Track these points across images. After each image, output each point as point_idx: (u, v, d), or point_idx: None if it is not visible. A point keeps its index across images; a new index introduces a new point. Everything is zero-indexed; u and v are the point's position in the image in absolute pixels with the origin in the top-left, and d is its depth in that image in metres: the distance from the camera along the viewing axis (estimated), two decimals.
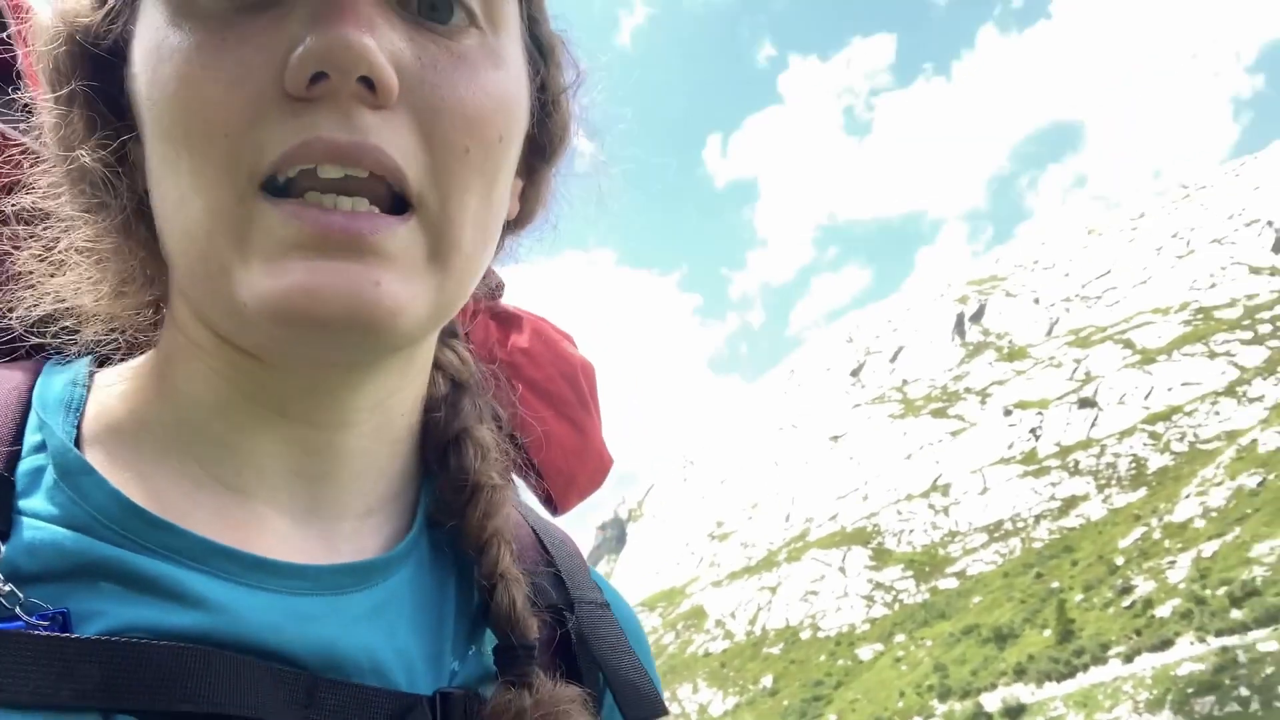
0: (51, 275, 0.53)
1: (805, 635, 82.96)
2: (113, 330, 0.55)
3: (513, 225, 0.60)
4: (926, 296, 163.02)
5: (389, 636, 0.51)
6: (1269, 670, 36.37)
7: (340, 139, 0.42)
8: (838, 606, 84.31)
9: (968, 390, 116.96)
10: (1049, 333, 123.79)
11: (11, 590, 0.41)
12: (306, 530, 0.52)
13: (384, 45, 0.43)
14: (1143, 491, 71.98)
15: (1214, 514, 57.11)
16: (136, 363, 0.54)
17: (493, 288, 0.74)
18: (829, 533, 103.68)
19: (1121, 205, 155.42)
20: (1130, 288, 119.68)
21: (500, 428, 0.65)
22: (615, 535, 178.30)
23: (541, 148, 0.58)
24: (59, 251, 0.53)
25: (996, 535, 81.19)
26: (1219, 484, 60.56)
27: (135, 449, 0.50)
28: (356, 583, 0.51)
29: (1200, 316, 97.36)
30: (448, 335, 0.64)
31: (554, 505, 0.81)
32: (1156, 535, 59.56)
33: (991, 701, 49.74)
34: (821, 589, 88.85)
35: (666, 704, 0.59)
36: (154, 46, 0.44)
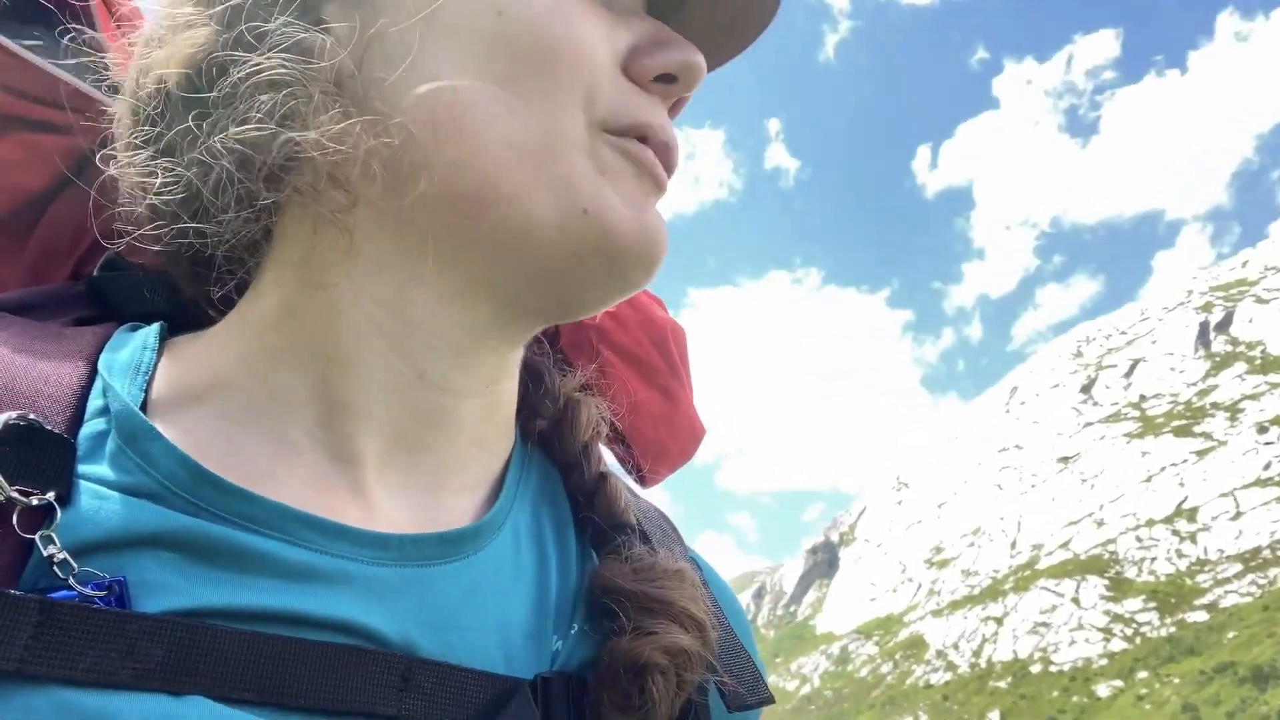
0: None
1: (1035, 669, 78.67)
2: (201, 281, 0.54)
3: None
4: (1165, 305, 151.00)
5: (485, 612, 0.49)
6: None
7: (673, 136, 0.50)
8: (1071, 639, 79.43)
9: (1215, 406, 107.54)
10: None
11: (66, 558, 0.39)
12: (401, 500, 0.51)
13: None
14: None
15: None
16: (217, 328, 0.52)
17: None
18: (1060, 561, 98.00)
19: None
20: None
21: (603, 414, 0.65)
22: (826, 559, 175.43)
23: None
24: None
25: (1253, 564, 74.07)
26: None
27: (215, 412, 0.48)
28: (448, 553, 0.49)
29: None
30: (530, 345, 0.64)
31: (642, 477, 0.80)
32: None
33: None
34: (1053, 620, 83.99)
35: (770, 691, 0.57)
36: None
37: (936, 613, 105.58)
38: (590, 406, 0.61)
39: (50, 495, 0.41)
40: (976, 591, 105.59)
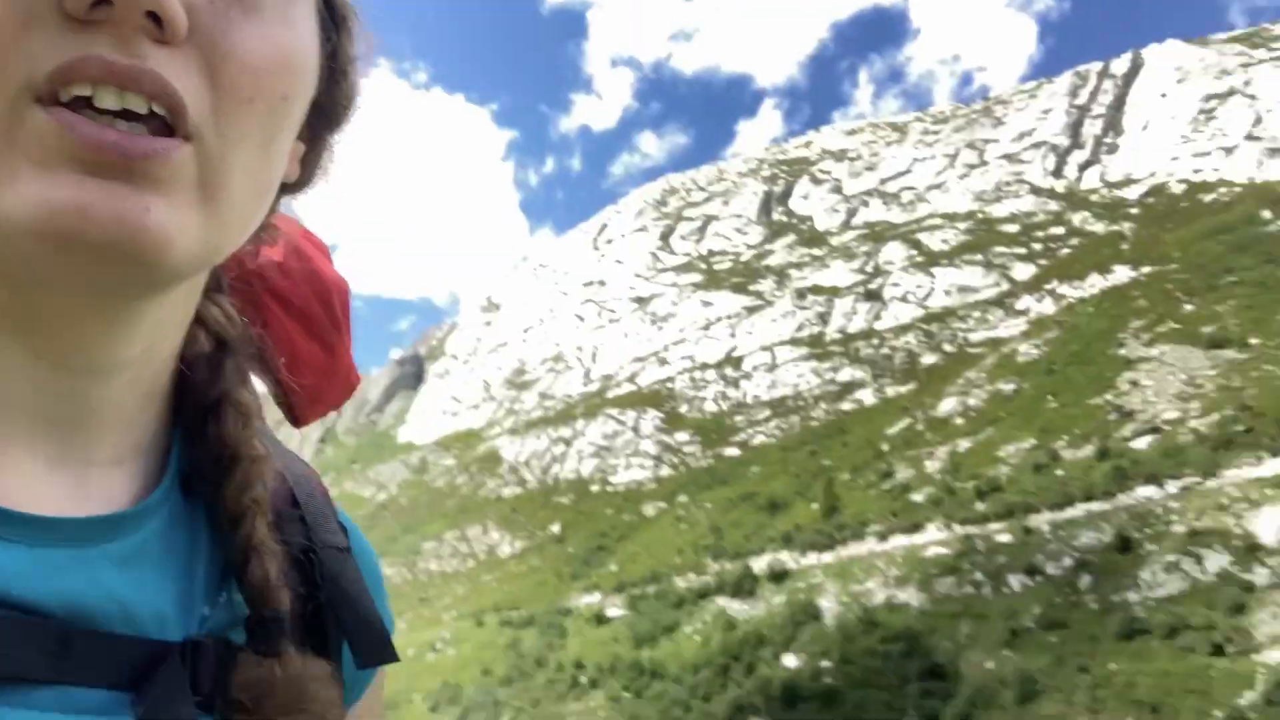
0: None
1: (595, 488, 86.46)
2: None
3: (290, 188, 0.61)
4: (739, 170, 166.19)
5: (140, 586, 0.51)
6: (1001, 559, 41.50)
7: (119, 61, 0.41)
8: (628, 464, 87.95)
9: (767, 269, 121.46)
10: (847, 223, 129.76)
11: None
12: (54, 477, 0.51)
13: None
14: (912, 385, 78.48)
15: (972, 414, 63.51)
16: None
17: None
18: (626, 392, 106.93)
19: (929, 108, 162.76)
20: (924, 189, 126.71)
21: (260, 365, 0.66)
22: (413, 372, 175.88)
23: (327, 115, 0.59)
24: None
25: (779, 411, 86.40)
26: (979, 386, 67.23)
27: None
28: (106, 534, 0.50)
29: (983, 227, 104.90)
30: (213, 290, 0.63)
31: (295, 419, 0.82)
32: (920, 427, 65.50)
33: (759, 564, 53.44)
34: (614, 445, 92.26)
35: (395, 646, 0.64)
36: None
37: (513, 431, 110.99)
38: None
39: None
40: (551, 414, 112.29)
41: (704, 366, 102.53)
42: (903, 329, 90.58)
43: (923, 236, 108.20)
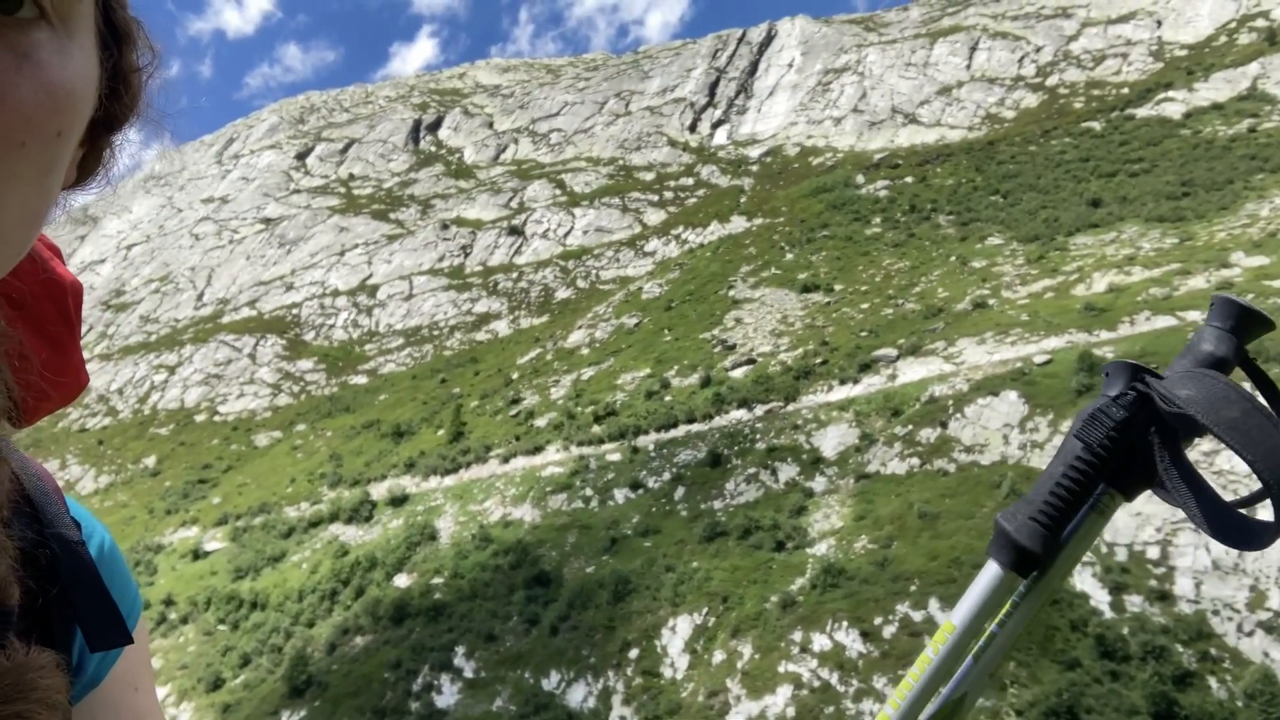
0: None
1: (200, 419, 79.09)
2: None
3: (70, 186, 0.61)
4: (388, 95, 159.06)
5: None
6: (610, 476, 43.39)
7: None
8: (240, 393, 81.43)
9: (411, 199, 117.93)
10: (496, 159, 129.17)
11: None
12: None
13: None
14: (546, 318, 79.88)
15: (598, 345, 65.72)
16: None
17: None
18: (244, 318, 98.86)
19: (584, 54, 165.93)
20: (572, 133, 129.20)
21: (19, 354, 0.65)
22: None
23: (108, 122, 0.59)
24: None
25: (413, 340, 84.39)
26: (606, 320, 69.72)
27: None
28: None
29: (623, 174, 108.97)
30: None
31: (22, 416, 0.79)
32: (549, 357, 66.80)
33: (379, 490, 52.36)
34: (225, 374, 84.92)
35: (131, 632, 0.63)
36: None
37: (106, 357, 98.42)
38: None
39: None
40: (153, 339, 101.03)
41: (335, 294, 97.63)
42: (542, 264, 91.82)
43: (567, 178, 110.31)
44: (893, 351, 45.44)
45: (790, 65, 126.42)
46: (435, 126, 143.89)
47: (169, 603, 46.09)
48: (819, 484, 35.89)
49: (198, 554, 51.94)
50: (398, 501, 49.96)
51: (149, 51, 0.60)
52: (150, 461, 72.47)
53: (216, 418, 78.52)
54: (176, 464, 70.54)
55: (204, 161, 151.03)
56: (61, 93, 0.48)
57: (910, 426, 36.30)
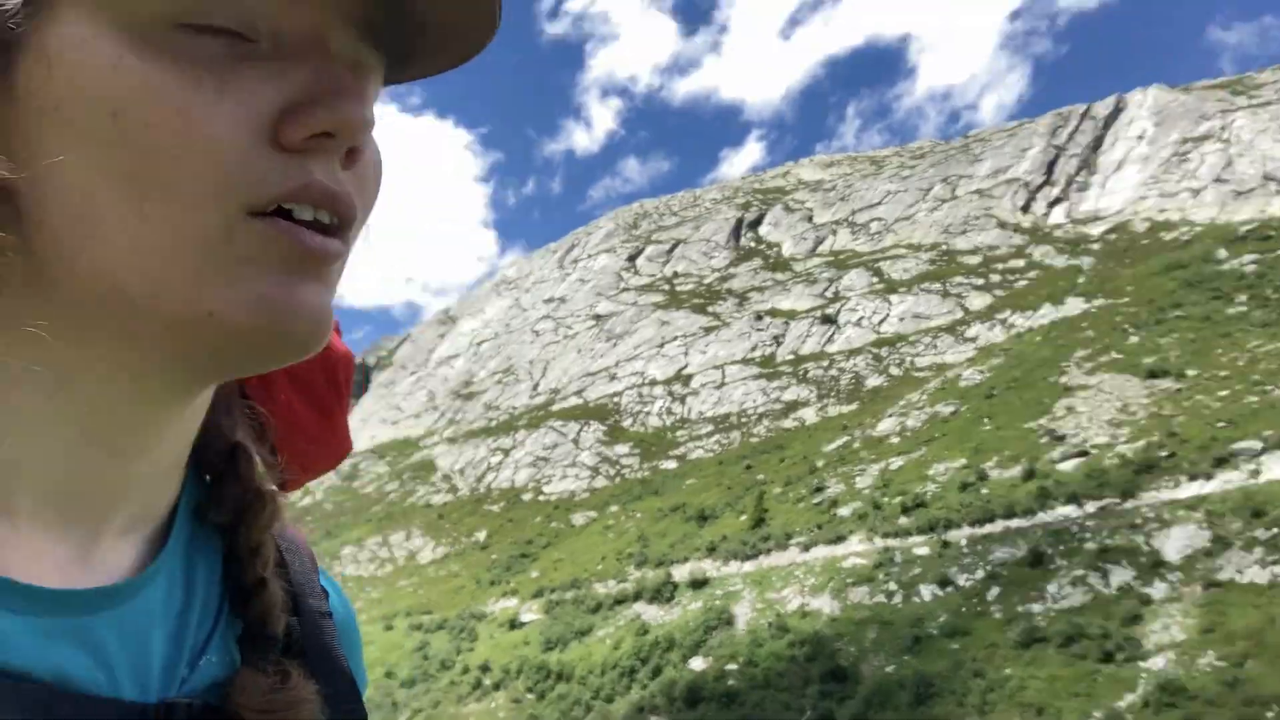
0: None
1: (527, 498, 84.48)
2: None
3: None
4: (714, 197, 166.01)
5: (129, 652, 0.53)
6: (916, 570, 40.28)
7: (330, 186, 0.48)
8: (563, 474, 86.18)
9: (729, 292, 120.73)
10: (814, 251, 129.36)
11: None
12: (67, 551, 0.52)
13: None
14: (855, 406, 77.28)
15: (908, 434, 62.22)
16: None
17: None
18: (572, 405, 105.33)
19: (910, 144, 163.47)
20: (892, 221, 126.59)
21: (257, 421, 0.68)
22: (359, 380, 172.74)
23: None
24: None
25: (722, 427, 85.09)
26: (919, 408, 66.00)
27: None
28: (104, 604, 0.52)
29: (945, 259, 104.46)
30: None
31: (286, 483, 0.82)
32: (856, 445, 64.20)
33: (680, 573, 52.43)
34: (552, 457, 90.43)
35: (365, 706, 0.65)
36: (140, 80, 0.44)
37: (452, 440, 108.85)
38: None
39: None
40: (493, 425, 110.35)
41: (653, 383, 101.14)
42: (854, 352, 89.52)
43: (885, 265, 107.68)
44: (1257, 444, 38.51)
45: (1141, 137, 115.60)
46: (756, 224, 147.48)
47: (485, 669, 48.49)
48: (1158, 590, 30.92)
49: (514, 624, 54.52)
50: (698, 584, 49.70)
51: None
52: (481, 535, 78.17)
53: (541, 497, 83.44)
54: (503, 539, 75.44)
55: (548, 266, 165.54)
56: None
57: (1276, 530, 30.32)
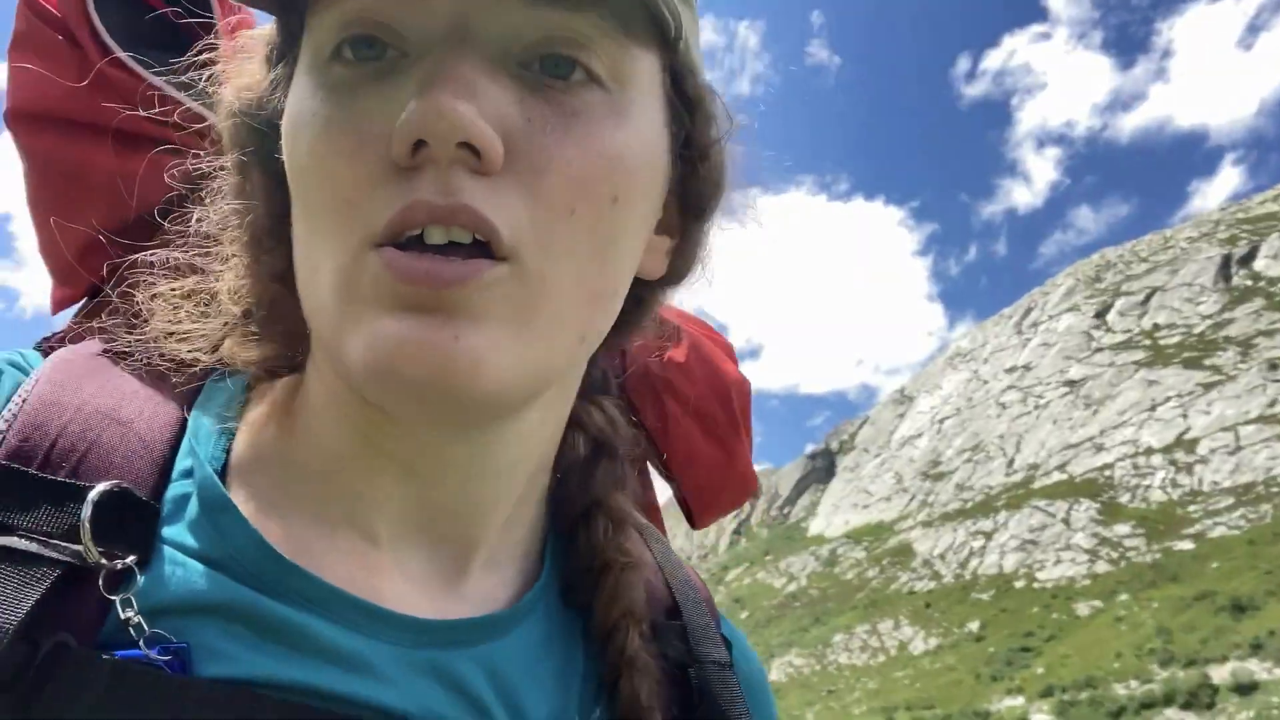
0: (204, 316, 0.55)
1: (1019, 584, 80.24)
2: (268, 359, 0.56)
3: (662, 283, 0.59)
4: (1189, 235, 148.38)
5: (507, 693, 0.51)
6: None
7: (437, 201, 0.42)
8: (1057, 559, 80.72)
9: (1227, 340, 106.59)
10: None
11: (140, 622, 0.43)
12: (431, 582, 0.52)
13: (488, 109, 0.43)
14: None
15: None
16: (284, 396, 0.55)
17: (661, 339, 0.69)
18: (1055, 482, 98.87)
19: None
20: None
21: (642, 451, 0.65)
22: (825, 465, 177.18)
23: (691, 204, 0.57)
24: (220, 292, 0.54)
25: (1245, 499, 74.49)
26: None
27: (278, 483, 0.51)
28: (477, 638, 0.51)
29: None
30: (596, 392, 0.63)
31: (692, 521, 0.81)
32: None
33: (1220, 674, 46.67)
34: (1041, 539, 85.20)
35: None
36: (294, 116, 0.46)
37: (927, 524, 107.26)
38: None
39: (132, 559, 0.44)
40: (969, 506, 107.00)
41: (1149, 452, 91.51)
42: None
43: None
44: None
45: None
46: (1248, 259, 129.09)
47: None
48: None
49: None
50: (1244, 689, 43.71)
51: (727, 122, 0.57)
52: (974, 626, 75.45)
53: (1035, 584, 78.88)
54: (998, 630, 72.21)
55: (1004, 334, 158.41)
56: (614, 154, 0.47)
57: None
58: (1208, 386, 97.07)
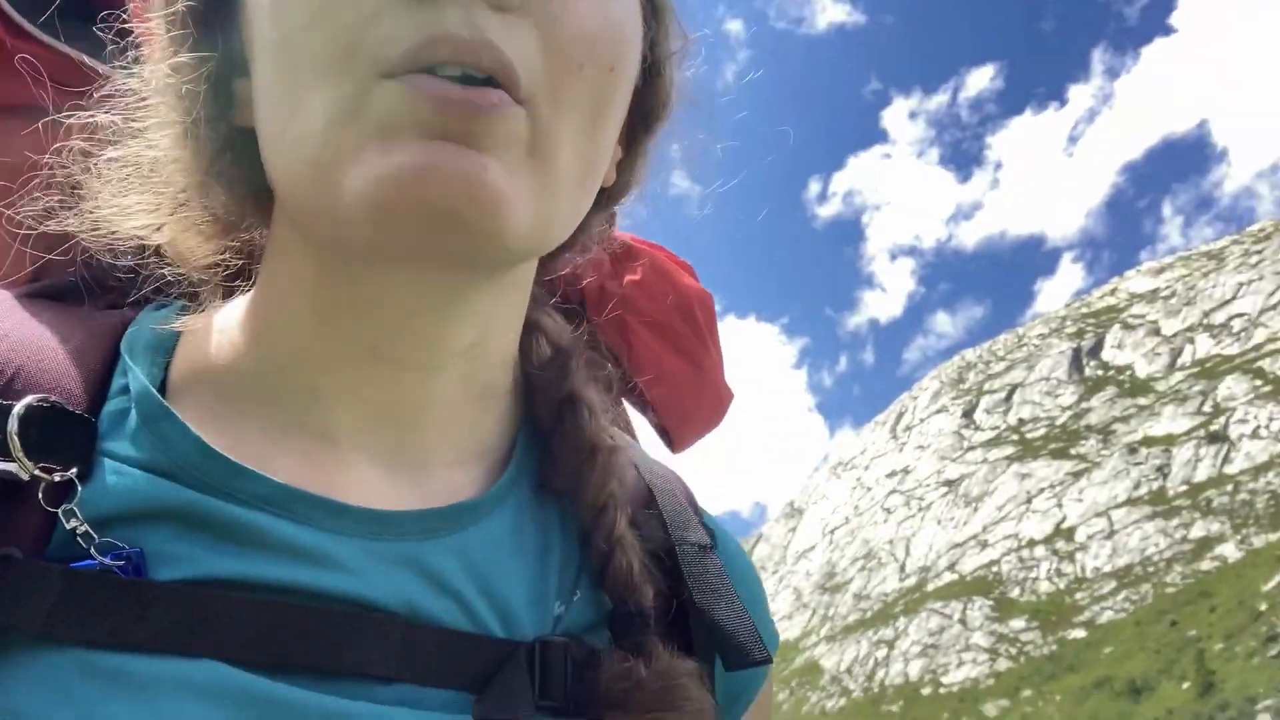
0: (123, 196, 0.52)
1: (926, 691, 79.83)
2: (200, 272, 0.54)
3: (609, 196, 0.58)
4: (1040, 333, 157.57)
5: (484, 582, 0.50)
6: None
7: (464, 35, 0.40)
8: (959, 660, 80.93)
9: (1088, 429, 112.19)
10: (1172, 365, 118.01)
11: (87, 530, 0.42)
12: (395, 477, 0.51)
13: None
14: None
15: None
16: (228, 306, 0.54)
17: (608, 217, 0.66)
18: (947, 583, 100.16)
19: (1248, 228, 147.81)
20: (1257, 314, 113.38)
21: (609, 375, 0.63)
22: None
23: (643, 114, 0.56)
24: (141, 174, 0.52)
25: (1126, 581, 76.96)
26: None
27: (220, 394, 0.50)
28: (447, 527, 0.50)
29: None
30: (541, 301, 0.62)
31: (671, 443, 0.79)
32: None
33: None
34: (941, 642, 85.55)
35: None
36: None
37: (830, 638, 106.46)
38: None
39: (72, 472, 0.43)
40: (869, 616, 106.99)
41: (1031, 543, 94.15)
42: (1260, 469, 78.72)
43: (1265, 364, 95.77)
44: None
45: None
46: (1096, 350, 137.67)
47: None
48: None
49: None
50: None
51: (681, 39, 0.56)
52: None
53: (941, 689, 78.60)
54: None
55: (881, 439, 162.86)
56: (617, 21, 0.46)
57: None
58: (1077, 475, 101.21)
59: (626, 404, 0.77)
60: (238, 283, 0.55)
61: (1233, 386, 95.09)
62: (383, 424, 0.51)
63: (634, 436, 0.73)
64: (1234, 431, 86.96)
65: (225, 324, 0.52)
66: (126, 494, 0.44)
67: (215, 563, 0.43)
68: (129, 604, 0.40)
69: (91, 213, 0.53)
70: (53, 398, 0.45)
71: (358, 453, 0.50)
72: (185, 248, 0.54)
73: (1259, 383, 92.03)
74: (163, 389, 0.49)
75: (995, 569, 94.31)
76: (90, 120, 0.53)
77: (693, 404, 0.79)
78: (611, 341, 0.71)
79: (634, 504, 0.59)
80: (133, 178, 0.52)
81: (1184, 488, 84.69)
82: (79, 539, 0.42)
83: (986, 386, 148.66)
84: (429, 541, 0.49)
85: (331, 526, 0.46)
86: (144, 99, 0.51)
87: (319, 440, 0.50)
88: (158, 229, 0.52)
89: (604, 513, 0.55)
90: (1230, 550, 71.33)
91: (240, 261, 0.55)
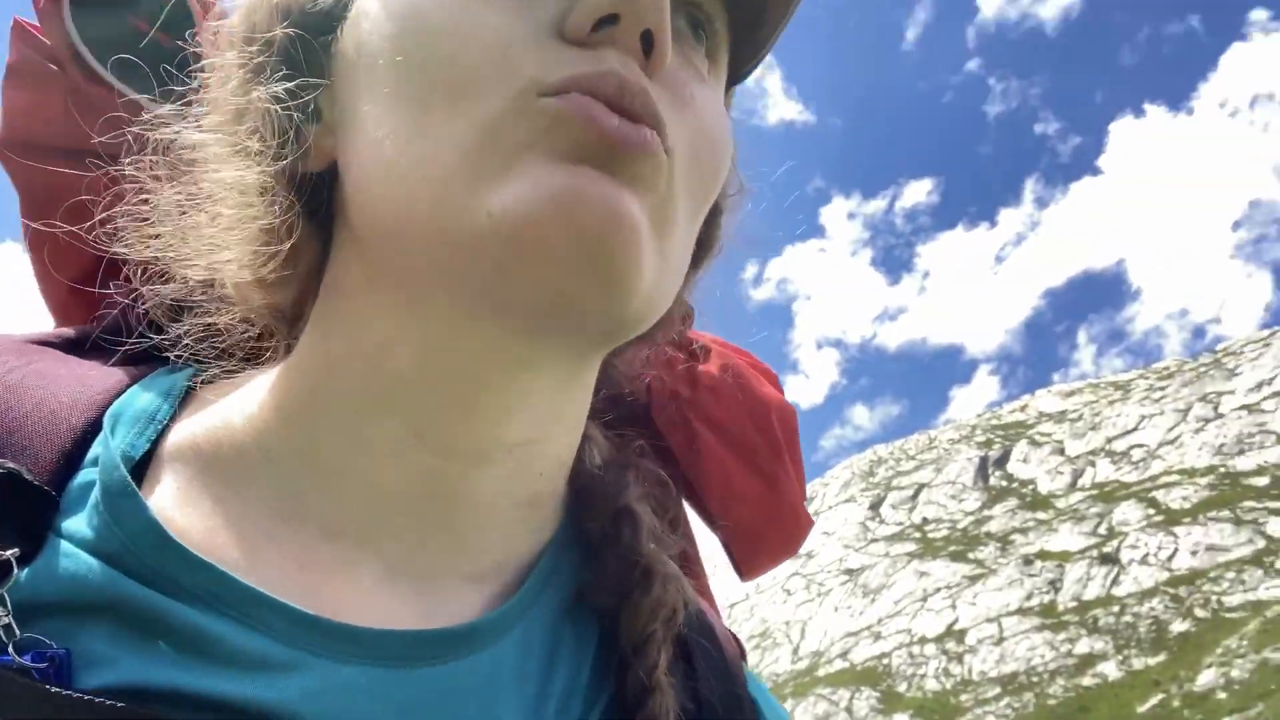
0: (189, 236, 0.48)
1: None
2: (245, 324, 0.51)
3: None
4: (951, 438, 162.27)
5: (478, 716, 0.44)
6: None
7: (630, 78, 0.39)
8: None
9: (988, 536, 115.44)
10: (1073, 485, 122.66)
11: (10, 624, 0.37)
12: (395, 586, 0.45)
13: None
14: (1163, 656, 70.15)
15: (1236, 687, 55.66)
16: (252, 375, 0.50)
17: (681, 317, 0.62)
18: (838, 670, 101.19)
19: (1154, 364, 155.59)
20: (1156, 446, 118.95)
21: (670, 493, 0.58)
22: None
23: (699, 243, 0.53)
24: (205, 208, 0.48)
25: (1010, 688, 78.90)
26: (1242, 655, 59.12)
27: (217, 471, 0.45)
28: (432, 655, 0.44)
29: (1227, 482, 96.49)
30: (595, 412, 0.56)
31: (739, 570, 0.73)
32: (1176, 703, 57.98)
33: None
34: None
35: None
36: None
37: None
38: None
39: (10, 552, 0.38)
40: None
41: (922, 641, 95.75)
42: (1146, 594, 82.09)
43: (1159, 495, 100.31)
44: None
45: None
46: (1002, 461, 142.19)
47: None
48: None
49: None
50: None
51: (737, 185, 0.56)
52: None
53: None
54: None
55: None
56: (722, 130, 0.46)
57: None
58: (973, 579, 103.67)
59: (689, 507, 0.70)
60: (264, 345, 0.51)
61: (1127, 512, 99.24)
62: (403, 523, 0.46)
63: (693, 543, 0.67)
64: (1125, 555, 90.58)
65: (244, 392, 0.48)
66: (70, 581, 0.39)
67: (145, 669, 0.38)
68: (36, 711, 0.35)
69: (168, 249, 0.49)
70: (9, 465, 0.39)
71: (363, 553, 0.45)
72: (249, 293, 0.49)
73: (1152, 511, 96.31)
74: (148, 461, 0.44)
75: (886, 661, 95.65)
76: (164, 159, 0.50)
77: (765, 527, 0.73)
78: (676, 446, 0.66)
79: (678, 643, 0.53)
80: (217, 214, 0.48)
81: (1074, 603, 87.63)
82: (1, 631, 0.36)
83: (895, 483, 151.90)
84: (404, 670, 0.43)
85: (292, 639, 0.40)
86: (224, 137, 0.48)
87: (320, 535, 0.44)
88: (239, 266, 0.48)
89: (645, 650, 0.49)
90: (1111, 669, 73.85)
91: (273, 323, 0.51)
